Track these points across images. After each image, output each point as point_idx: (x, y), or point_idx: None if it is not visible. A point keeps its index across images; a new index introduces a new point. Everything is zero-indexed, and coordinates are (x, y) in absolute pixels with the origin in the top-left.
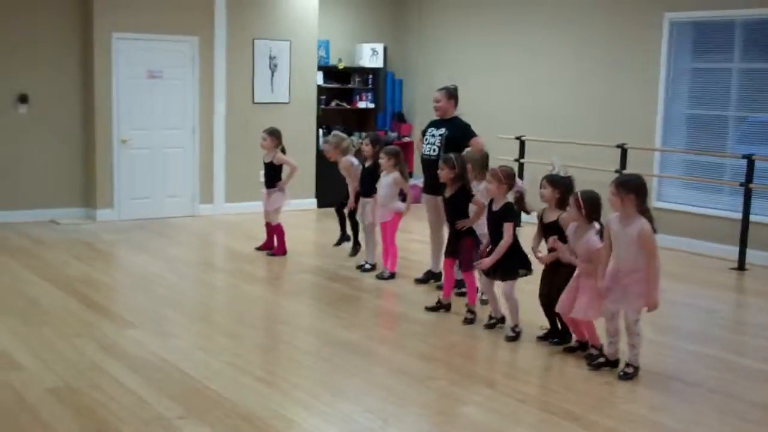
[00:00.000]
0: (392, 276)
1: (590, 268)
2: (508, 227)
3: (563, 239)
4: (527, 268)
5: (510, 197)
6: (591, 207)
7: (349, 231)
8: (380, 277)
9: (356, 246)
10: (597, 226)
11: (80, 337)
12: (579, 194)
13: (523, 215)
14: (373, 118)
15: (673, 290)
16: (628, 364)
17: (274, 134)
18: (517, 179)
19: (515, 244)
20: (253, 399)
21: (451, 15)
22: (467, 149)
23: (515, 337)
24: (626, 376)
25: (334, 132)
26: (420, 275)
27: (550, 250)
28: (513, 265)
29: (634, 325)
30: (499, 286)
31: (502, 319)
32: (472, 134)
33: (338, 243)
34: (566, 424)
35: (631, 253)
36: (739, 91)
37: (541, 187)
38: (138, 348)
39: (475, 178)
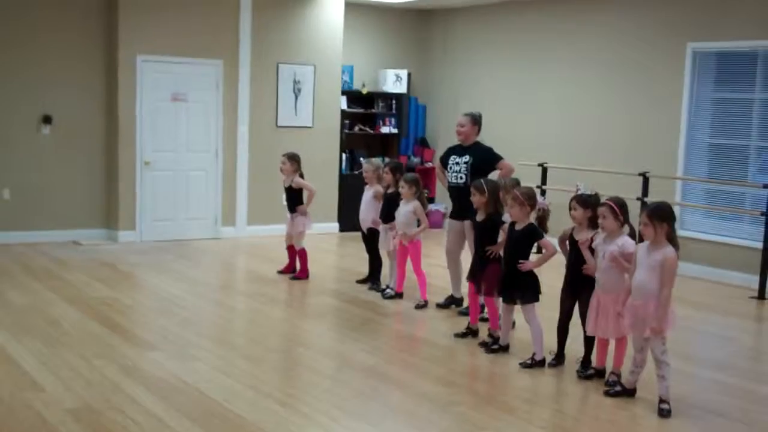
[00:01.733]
0: (426, 304)
1: (614, 280)
2: (545, 243)
3: (582, 260)
4: (537, 297)
5: (533, 217)
6: (625, 211)
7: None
8: (419, 306)
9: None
10: (627, 229)
11: (101, 359)
12: (613, 204)
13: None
14: (397, 143)
15: (693, 318)
16: (663, 401)
17: (294, 159)
18: (539, 197)
19: (533, 271)
20: (273, 421)
21: (475, 42)
22: (492, 173)
23: (532, 364)
24: (663, 413)
25: (374, 160)
26: (441, 300)
27: (575, 265)
28: (533, 288)
29: (661, 355)
30: (519, 313)
31: (506, 348)
32: (498, 158)
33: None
34: None
35: (653, 280)
36: (760, 121)
37: (571, 209)
38: (159, 370)
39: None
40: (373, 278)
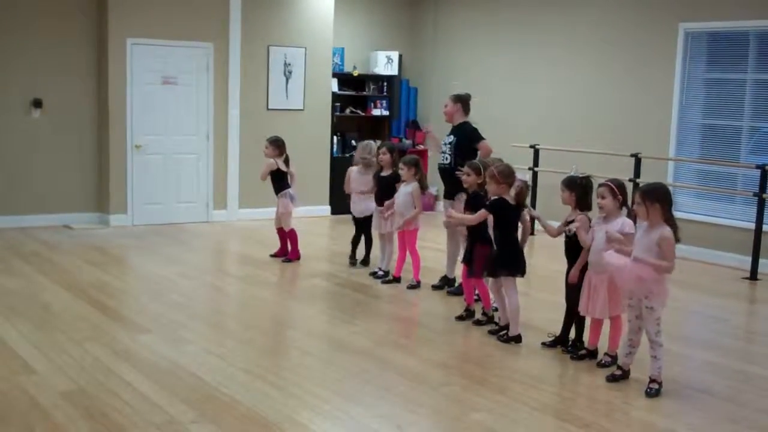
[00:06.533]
0: (419, 284)
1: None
2: (481, 212)
3: (577, 245)
4: (521, 272)
5: (512, 193)
6: (623, 192)
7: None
8: (411, 287)
9: (356, 258)
10: (625, 210)
11: (93, 342)
12: (612, 185)
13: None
14: (388, 125)
15: (685, 299)
16: (652, 380)
17: (275, 143)
18: (518, 174)
19: (516, 245)
20: (266, 404)
21: (467, 23)
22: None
23: (506, 339)
24: (651, 392)
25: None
26: (436, 281)
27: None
28: (514, 262)
29: (655, 335)
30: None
31: (507, 327)
32: (479, 138)
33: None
34: None
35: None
36: (752, 101)
37: (561, 191)
38: (151, 353)
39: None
40: (366, 258)
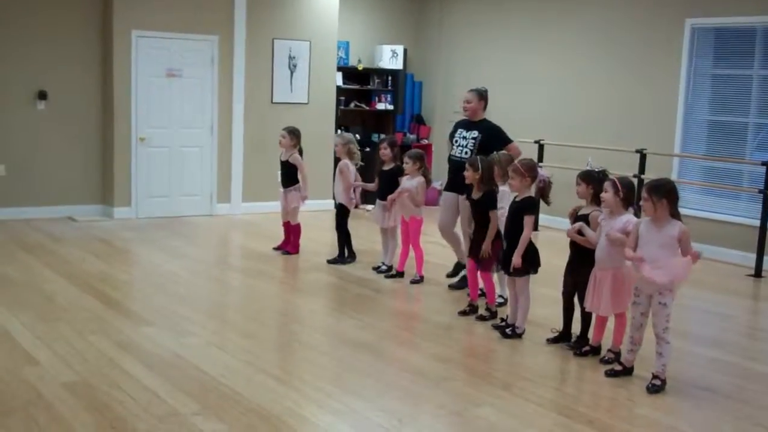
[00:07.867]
0: (421, 279)
1: (611, 257)
2: (527, 220)
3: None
4: (535, 269)
5: (533, 189)
6: (628, 191)
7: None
8: (414, 281)
9: (345, 256)
10: (631, 210)
11: (96, 334)
12: (617, 180)
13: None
14: (392, 120)
15: (689, 296)
16: (655, 376)
17: (294, 133)
18: (540, 170)
19: (531, 241)
20: (268, 396)
21: (472, 18)
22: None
23: (511, 335)
24: (654, 389)
25: (345, 134)
26: (439, 276)
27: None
28: (529, 261)
29: (662, 332)
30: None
31: (513, 324)
32: (508, 140)
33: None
34: (581, 428)
35: (665, 255)
36: (759, 97)
37: (577, 185)
38: (154, 345)
39: (501, 178)
40: (340, 254)
